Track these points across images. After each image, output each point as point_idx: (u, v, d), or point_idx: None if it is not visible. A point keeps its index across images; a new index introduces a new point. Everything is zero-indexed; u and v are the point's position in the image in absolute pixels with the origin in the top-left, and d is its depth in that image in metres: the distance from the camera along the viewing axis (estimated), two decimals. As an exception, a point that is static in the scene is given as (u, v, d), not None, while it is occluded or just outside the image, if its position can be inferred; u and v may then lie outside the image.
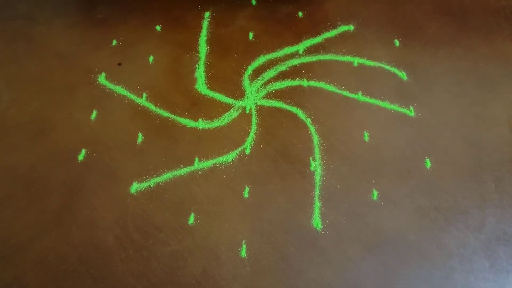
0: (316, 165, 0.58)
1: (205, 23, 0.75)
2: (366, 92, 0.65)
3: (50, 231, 0.53)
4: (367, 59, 0.70)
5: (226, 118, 0.63)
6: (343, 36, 0.73)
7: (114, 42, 0.73)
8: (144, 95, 0.66)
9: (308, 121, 0.62)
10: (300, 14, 0.77)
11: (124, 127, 0.62)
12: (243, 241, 0.52)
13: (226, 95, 0.66)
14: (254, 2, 0.79)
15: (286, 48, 0.72)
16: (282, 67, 0.69)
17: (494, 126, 0.62)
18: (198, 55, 0.71)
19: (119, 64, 0.70)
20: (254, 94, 0.66)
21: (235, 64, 0.70)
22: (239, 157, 0.59)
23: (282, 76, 0.68)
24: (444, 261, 0.50)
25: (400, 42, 0.72)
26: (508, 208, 0.54)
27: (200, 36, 0.73)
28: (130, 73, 0.69)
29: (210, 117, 0.63)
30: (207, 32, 0.74)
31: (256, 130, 0.62)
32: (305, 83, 0.67)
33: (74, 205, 0.55)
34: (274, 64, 0.70)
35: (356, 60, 0.70)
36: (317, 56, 0.70)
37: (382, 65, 0.69)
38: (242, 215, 0.54)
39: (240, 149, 0.60)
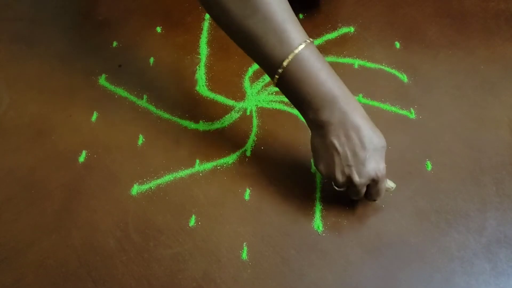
0: (317, 168, 0.58)
1: (206, 25, 0.75)
2: (367, 94, 0.66)
3: (50, 233, 0.53)
4: (367, 61, 0.70)
5: (227, 120, 0.63)
6: (343, 38, 0.73)
7: (115, 43, 0.73)
8: (145, 96, 0.66)
9: (308, 123, 0.62)
10: (301, 16, 0.77)
11: (124, 129, 0.62)
12: (244, 243, 0.52)
13: (227, 97, 0.66)
14: (254, 4, 0.79)
15: (286, 50, 0.72)
16: (282, 69, 0.69)
17: (494, 129, 0.62)
18: (199, 56, 0.71)
19: (120, 66, 0.70)
20: (254, 96, 0.66)
21: (235, 66, 0.70)
22: (240, 159, 0.59)
23: (283, 78, 0.68)
24: (445, 264, 0.50)
25: (400, 44, 0.72)
26: (509, 211, 0.54)
27: (200, 38, 0.73)
28: (131, 74, 0.69)
29: (211, 119, 0.63)
30: (208, 34, 0.74)
31: (257, 132, 0.62)
32: (305, 85, 0.67)
33: (74, 208, 0.55)
34: (274, 66, 0.70)
35: (357, 62, 0.70)
36: (317, 58, 0.70)
37: (382, 67, 0.69)
38: (243, 218, 0.54)
39: (241, 151, 0.60)
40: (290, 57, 0.42)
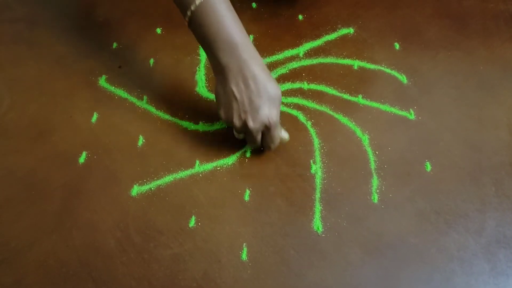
0: (317, 168, 0.58)
1: (206, 26, 0.75)
2: (367, 95, 0.66)
3: (50, 234, 0.53)
4: (367, 62, 0.70)
5: (226, 121, 0.63)
6: (343, 39, 0.74)
7: (115, 45, 0.73)
8: (145, 97, 0.66)
9: (308, 124, 0.63)
10: (300, 17, 0.77)
11: (124, 130, 0.62)
12: (244, 244, 0.52)
13: (227, 98, 0.66)
14: (254, 5, 0.79)
15: (286, 51, 0.72)
16: (282, 70, 0.69)
17: (493, 129, 0.62)
18: (199, 57, 0.71)
19: (120, 67, 0.70)
20: (254, 97, 0.66)
21: (235, 67, 0.70)
22: (240, 160, 0.59)
23: (283, 79, 0.68)
24: (445, 264, 0.50)
25: (400, 45, 0.72)
26: (508, 211, 0.54)
27: (200, 39, 0.73)
28: (131, 76, 0.69)
29: (210, 119, 0.63)
30: (208, 35, 0.74)
31: (257, 133, 0.62)
32: (305, 86, 0.67)
33: (74, 208, 0.55)
34: (274, 67, 0.70)
35: (356, 63, 0.70)
36: (317, 59, 0.71)
37: (382, 68, 0.69)
38: (243, 218, 0.54)
39: (240, 152, 0.60)
40: (198, 1, 0.47)
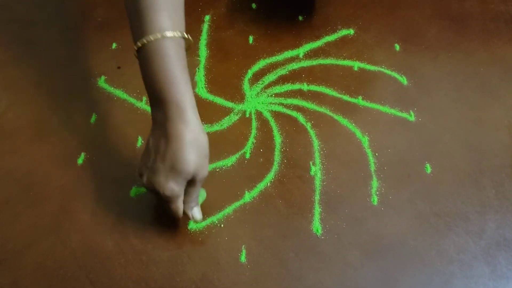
0: (316, 170, 0.58)
1: (205, 27, 0.75)
2: (367, 97, 0.66)
3: (48, 235, 0.53)
4: (367, 64, 0.70)
5: (226, 122, 0.63)
6: (343, 40, 0.73)
7: (114, 45, 0.73)
8: (144, 98, 0.66)
9: (308, 126, 0.62)
10: (300, 18, 0.77)
11: (123, 130, 0.62)
12: (243, 246, 0.52)
13: (226, 99, 0.66)
14: (254, 6, 0.79)
15: (286, 52, 0.72)
16: (282, 71, 0.69)
17: (493, 130, 0.62)
18: (198, 58, 0.71)
19: (119, 68, 0.70)
20: (254, 98, 0.66)
21: (235, 68, 0.69)
22: (239, 161, 0.59)
23: (282, 80, 0.68)
24: (444, 267, 0.50)
25: (400, 46, 0.72)
26: (508, 213, 0.54)
27: (200, 40, 0.73)
28: (130, 76, 0.69)
29: (210, 121, 0.63)
30: (207, 36, 0.74)
31: (256, 134, 0.62)
32: (305, 87, 0.67)
33: (72, 209, 0.55)
34: (274, 68, 0.70)
35: (356, 65, 0.70)
36: (317, 60, 0.70)
37: (382, 69, 0.69)
38: (242, 220, 0.54)
39: (240, 153, 0.60)
40: (145, 40, 0.43)
